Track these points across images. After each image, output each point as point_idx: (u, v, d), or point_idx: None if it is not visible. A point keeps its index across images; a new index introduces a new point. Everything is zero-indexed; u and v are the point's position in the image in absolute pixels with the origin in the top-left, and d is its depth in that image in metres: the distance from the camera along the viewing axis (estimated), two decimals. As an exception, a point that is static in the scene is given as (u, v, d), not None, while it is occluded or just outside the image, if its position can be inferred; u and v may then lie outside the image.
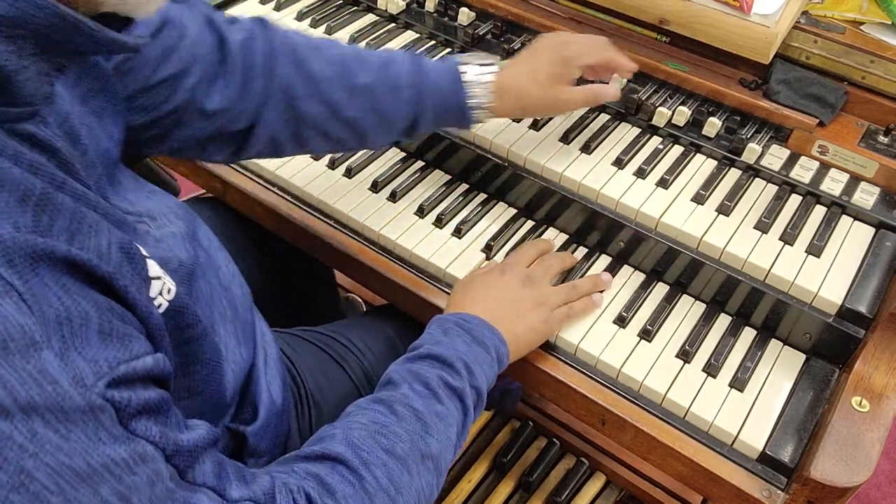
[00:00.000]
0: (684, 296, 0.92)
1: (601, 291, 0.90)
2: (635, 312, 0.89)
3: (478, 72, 0.88)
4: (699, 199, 0.94)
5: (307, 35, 0.87)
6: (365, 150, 1.07)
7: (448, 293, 0.91)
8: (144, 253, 0.55)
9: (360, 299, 1.62)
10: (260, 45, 0.82)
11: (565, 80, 0.92)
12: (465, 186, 1.04)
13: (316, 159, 1.05)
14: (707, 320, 0.89)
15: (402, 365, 0.73)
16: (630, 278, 0.93)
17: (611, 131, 1.03)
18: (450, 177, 1.05)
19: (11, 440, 0.40)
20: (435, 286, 0.92)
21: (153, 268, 0.55)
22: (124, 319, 0.48)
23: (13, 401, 0.40)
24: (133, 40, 0.51)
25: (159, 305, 0.55)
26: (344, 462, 0.62)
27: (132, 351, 0.48)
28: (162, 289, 0.56)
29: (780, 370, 0.84)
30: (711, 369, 0.83)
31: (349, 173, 1.03)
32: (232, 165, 1.05)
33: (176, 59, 0.76)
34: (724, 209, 0.92)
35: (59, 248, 0.45)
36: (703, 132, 1.01)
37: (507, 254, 0.94)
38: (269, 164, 1.04)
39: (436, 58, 1.09)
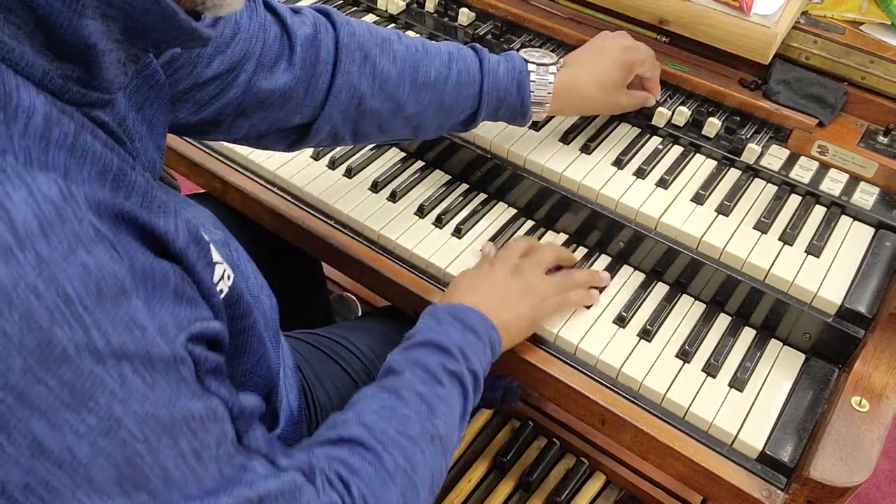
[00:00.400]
0: (684, 296, 0.92)
1: (600, 290, 0.90)
2: (635, 312, 0.89)
3: (541, 71, 0.89)
4: (699, 199, 0.94)
5: (374, 27, 0.86)
6: (365, 150, 1.07)
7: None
8: (206, 238, 0.56)
9: (354, 298, 1.62)
10: (327, 42, 0.81)
11: (626, 84, 0.95)
12: (465, 186, 1.04)
13: (316, 159, 1.05)
14: (707, 320, 0.89)
15: (401, 353, 0.74)
16: (630, 278, 0.93)
17: (611, 131, 1.03)
18: (450, 177, 1.05)
19: (103, 385, 0.41)
20: (435, 286, 0.92)
21: (215, 253, 0.56)
22: (193, 288, 0.50)
23: (106, 344, 0.41)
24: (208, 31, 0.51)
25: (221, 291, 0.56)
26: (362, 443, 0.63)
27: (202, 313, 0.49)
28: (223, 274, 0.57)
29: (780, 370, 0.84)
30: (711, 369, 0.83)
31: (349, 173, 1.03)
32: (232, 166, 1.06)
33: (229, 55, 0.75)
34: (723, 209, 0.92)
35: (142, 215, 0.46)
36: (703, 132, 1.01)
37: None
38: (269, 164, 1.04)
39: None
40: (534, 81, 0.88)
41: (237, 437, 0.51)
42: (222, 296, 0.57)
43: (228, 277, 0.58)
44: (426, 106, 0.85)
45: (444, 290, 0.92)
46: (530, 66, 0.89)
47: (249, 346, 0.63)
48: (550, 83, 0.89)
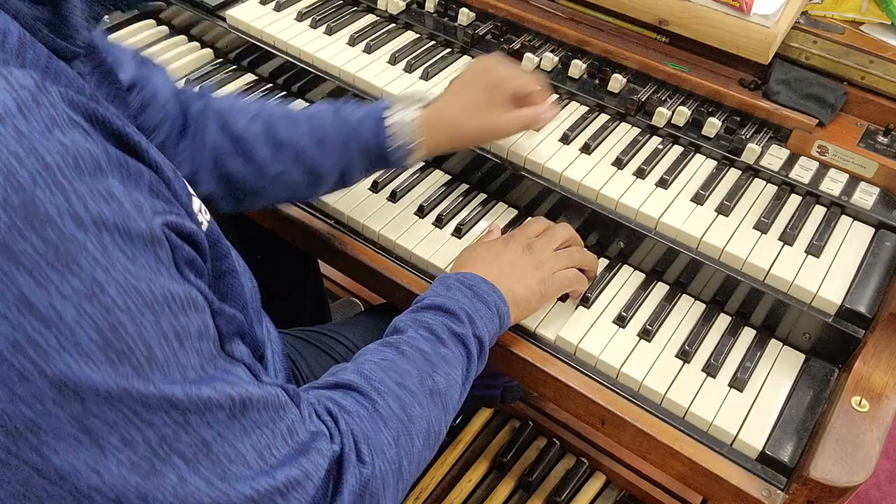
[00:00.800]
0: (684, 296, 0.92)
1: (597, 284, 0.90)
2: (635, 312, 0.89)
3: (401, 114, 0.86)
4: (699, 199, 0.94)
5: (236, 98, 0.91)
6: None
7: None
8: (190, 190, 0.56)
9: (359, 301, 1.62)
10: (193, 109, 0.86)
11: (499, 104, 0.89)
12: (465, 186, 1.04)
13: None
14: (707, 320, 0.89)
15: (407, 315, 0.75)
16: (630, 278, 0.93)
17: (611, 131, 1.03)
18: (450, 177, 1.05)
19: (86, 250, 0.42)
20: (435, 286, 0.92)
21: (195, 202, 0.56)
22: (171, 195, 0.50)
23: (86, 211, 0.42)
24: None
25: (201, 223, 0.56)
26: (357, 389, 0.64)
27: (178, 212, 0.49)
28: (200, 208, 0.57)
29: (780, 370, 0.84)
30: (711, 369, 0.83)
31: (349, 173, 1.03)
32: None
33: (149, 115, 0.82)
34: (723, 209, 0.92)
35: (116, 122, 0.47)
36: (703, 132, 1.01)
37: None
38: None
39: (419, 66, 1.11)
40: (390, 125, 0.85)
41: (221, 340, 0.52)
42: (203, 228, 0.57)
43: (205, 212, 0.58)
44: (291, 164, 0.85)
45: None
46: (385, 113, 0.86)
47: (233, 290, 0.62)
48: (412, 120, 0.86)
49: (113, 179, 0.44)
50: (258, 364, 0.56)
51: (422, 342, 0.71)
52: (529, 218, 0.95)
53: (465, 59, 1.14)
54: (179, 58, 1.21)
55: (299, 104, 1.15)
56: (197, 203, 0.57)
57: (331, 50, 1.14)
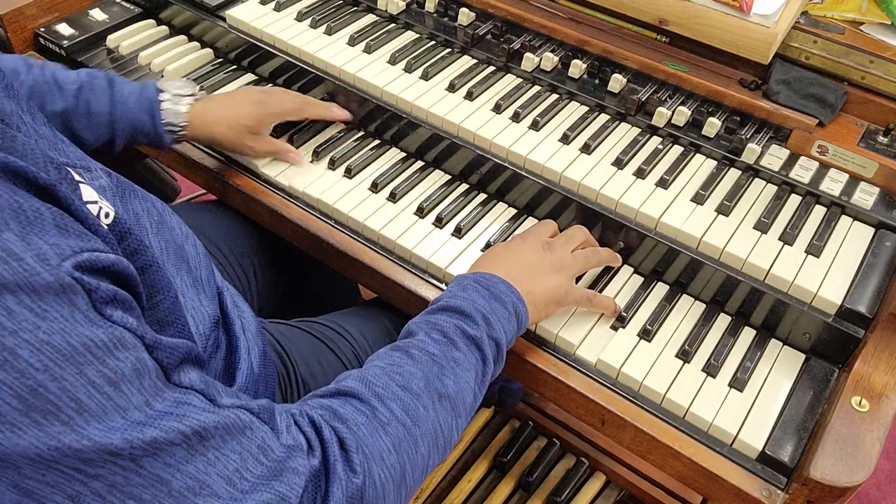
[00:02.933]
0: (684, 296, 0.92)
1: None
2: (635, 312, 0.89)
3: (174, 101, 0.96)
4: (699, 199, 0.94)
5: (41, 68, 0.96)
6: (366, 150, 1.07)
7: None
8: (77, 178, 0.54)
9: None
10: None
11: (257, 131, 1.01)
12: (465, 186, 1.04)
13: (317, 158, 1.06)
14: (707, 320, 0.89)
15: (421, 317, 0.75)
16: (630, 278, 0.93)
17: (611, 131, 1.03)
18: (450, 177, 1.05)
19: None
20: (435, 286, 0.92)
21: (88, 192, 0.54)
22: (76, 223, 0.48)
23: None
24: None
25: (104, 225, 0.54)
26: (357, 395, 0.63)
27: (93, 245, 0.47)
28: (99, 212, 0.55)
29: (780, 370, 0.84)
30: (711, 369, 0.83)
31: (349, 173, 1.03)
32: (232, 166, 1.06)
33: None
34: (723, 209, 0.92)
35: (1, 158, 0.45)
36: (703, 132, 1.01)
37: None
38: (270, 167, 1.04)
39: (419, 66, 1.11)
40: (165, 110, 0.95)
41: (166, 372, 0.50)
42: (106, 222, 0.55)
43: (107, 215, 0.56)
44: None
45: (440, 287, 0.92)
46: (163, 96, 0.96)
47: (159, 283, 0.60)
48: (184, 112, 0.96)
49: (8, 233, 0.42)
50: (214, 383, 0.54)
51: (431, 345, 0.69)
52: (544, 220, 0.94)
53: (466, 58, 1.14)
54: (179, 58, 1.21)
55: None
56: (94, 209, 0.54)
57: (331, 50, 1.14)
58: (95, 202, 0.55)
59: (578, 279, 0.90)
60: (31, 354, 0.42)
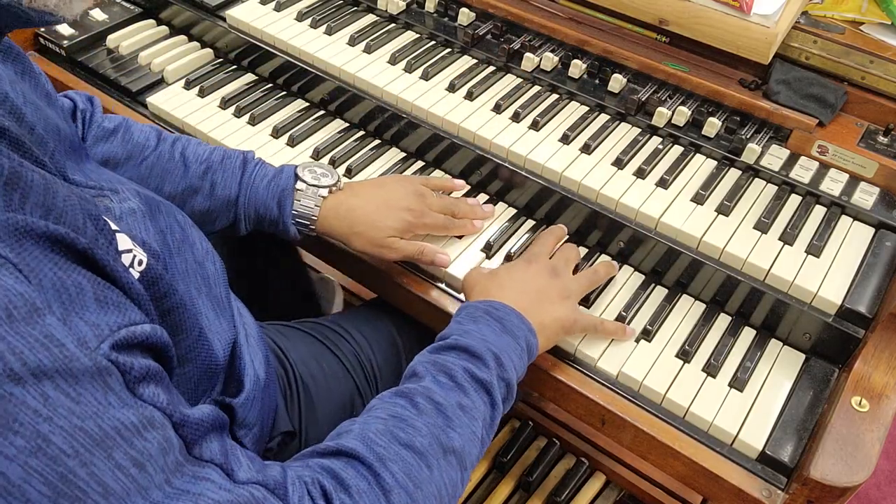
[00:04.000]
0: (684, 296, 0.92)
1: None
2: (635, 313, 0.89)
3: (310, 192, 0.88)
4: (699, 199, 0.94)
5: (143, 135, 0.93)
6: (366, 150, 1.07)
7: (449, 293, 0.92)
8: (114, 227, 0.55)
9: (333, 279, 1.61)
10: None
11: (402, 235, 0.89)
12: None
13: (317, 158, 1.05)
14: (707, 320, 0.89)
15: (428, 356, 0.72)
16: (630, 278, 0.93)
17: (611, 131, 1.03)
18: (449, 177, 1.05)
19: (25, 405, 0.41)
20: (435, 286, 0.92)
21: (123, 241, 0.55)
22: (114, 290, 0.49)
23: (23, 365, 0.41)
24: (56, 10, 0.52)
25: (132, 278, 0.55)
26: (359, 458, 0.61)
27: (130, 318, 0.48)
28: (133, 261, 0.55)
29: (780, 370, 0.84)
30: (711, 369, 0.83)
31: (349, 173, 1.03)
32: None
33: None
34: (723, 209, 0.92)
35: (38, 225, 0.45)
36: (703, 132, 1.01)
37: (507, 254, 0.94)
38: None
39: (419, 66, 1.10)
40: (298, 201, 0.87)
41: (188, 446, 0.50)
42: (135, 277, 0.55)
43: (140, 263, 0.56)
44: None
45: (444, 290, 0.92)
46: (299, 185, 0.88)
47: (183, 323, 0.61)
48: (317, 206, 0.87)
49: (51, 317, 0.43)
50: (234, 450, 0.55)
51: (438, 393, 0.66)
52: (542, 233, 0.94)
53: (466, 58, 1.14)
54: (179, 58, 1.21)
55: (298, 104, 1.15)
56: (128, 258, 0.55)
57: (331, 50, 1.14)
58: (130, 251, 0.56)
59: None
60: (63, 441, 0.42)
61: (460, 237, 0.96)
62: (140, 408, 0.46)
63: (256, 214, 0.89)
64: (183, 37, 1.27)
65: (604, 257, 0.95)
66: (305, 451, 0.65)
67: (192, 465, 0.50)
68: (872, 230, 0.92)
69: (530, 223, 1.00)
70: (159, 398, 0.48)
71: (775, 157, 0.98)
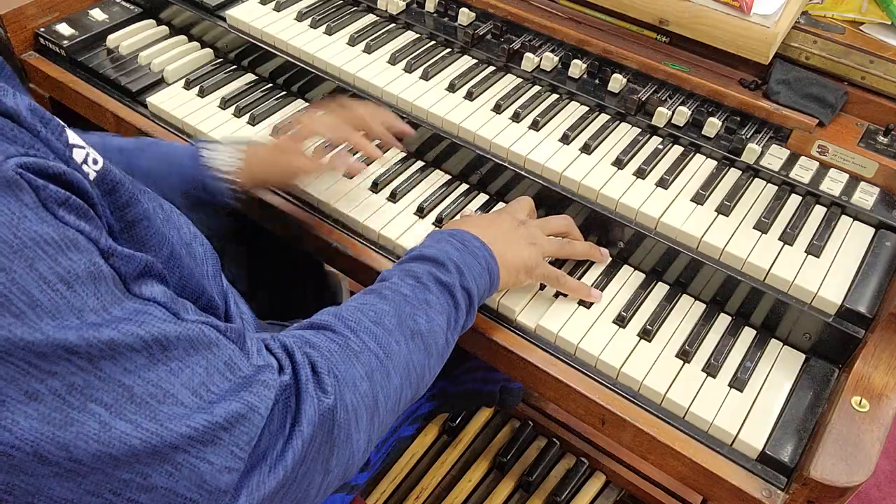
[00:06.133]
0: (684, 296, 0.92)
1: (594, 297, 0.90)
2: (635, 312, 0.89)
3: (217, 148, 0.91)
4: (699, 199, 0.94)
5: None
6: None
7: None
8: (60, 122, 0.53)
9: (336, 271, 1.61)
10: None
11: (293, 149, 0.93)
12: (465, 186, 1.04)
13: (316, 159, 1.06)
14: (707, 320, 0.89)
15: (395, 266, 0.76)
16: (630, 278, 0.93)
17: (611, 131, 1.03)
18: (450, 177, 1.05)
19: None
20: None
21: (73, 136, 0.53)
22: (34, 140, 0.47)
23: None
24: None
25: (87, 174, 0.53)
26: (330, 327, 0.64)
27: (41, 154, 0.47)
28: (86, 158, 0.54)
29: (780, 370, 0.84)
30: (711, 369, 0.83)
31: (349, 173, 1.03)
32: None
33: None
34: (723, 209, 0.92)
35: None
36: (703, 132, 1.01)
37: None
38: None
39: (419, 66, 1.11)
40: (205, 156, 0.90)
41: (125, 282, 0.49)
42: (91, 177, 0.53)
43: (95, 161, 0.54)
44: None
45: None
46: (201, 145, 0.91)
47: (149, 238, 0.59)
48: (236, 157, 0.91)
49: None
50: (182, 301, 0.54)
51: (404, 287, 0.71)
52: (523, 197, 0.95)
53: (466, 58, 1.14)
54: (179, 58, 1.21)
55: (298, 105, 1.15)
56: (81, 153, 0.53)
57: (331, 50, 1.14)
58: (83, 147, 0.53)
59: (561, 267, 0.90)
60: None
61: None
62: (59, 227, 0.45)
63: (180, 179, 0.89)
64: (183, 37, 1.27)
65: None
66: (284, 330, 0.65)
67: (131, 301, 0.49)
68: (872, 230, 0.92)
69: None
70: (81, 225, 0.47)
71: (775, 157, 0.98)
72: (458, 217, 0.98)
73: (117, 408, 0.46)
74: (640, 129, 1.04)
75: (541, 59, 1.09)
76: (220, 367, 0.52)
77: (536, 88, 1.09)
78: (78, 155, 0.52)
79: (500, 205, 1.02)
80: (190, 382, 0.49)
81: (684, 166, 0.98)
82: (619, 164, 0.98)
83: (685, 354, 0.85)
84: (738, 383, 0.82)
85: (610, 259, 0.94)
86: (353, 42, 1.15)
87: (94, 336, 0.45)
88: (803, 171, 0.96)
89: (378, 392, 0.63)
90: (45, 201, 0.45)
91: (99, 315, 0.45)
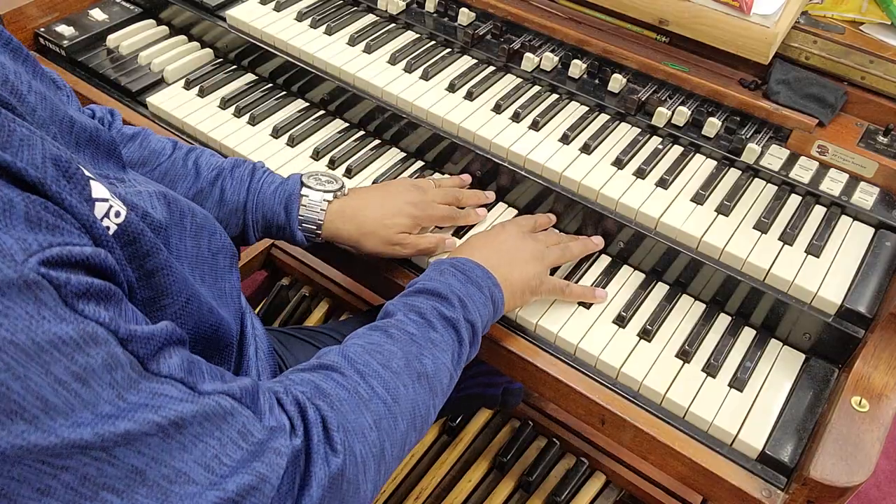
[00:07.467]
0: (684, 296, 0.92)
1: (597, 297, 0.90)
2: (635, 312, 0.89)
3: (315, 196, 0.88)
4: (699, 199, 0.94)
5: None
6: (366, 150, 1.08)
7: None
8: (87, 174, 0.53)
9: None
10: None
11: (411, 231, 0.90)
12: (465, 186, 1.04)
13: (317, 158, 1.06)
14: (707, 320, 0.89)
15: (398, 299, 0.76)
16: (630, 278, 0.93)
17: (611, 131, 1.03)
18: (449, 177, 1.05)
19: None
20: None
21: (98, 189, 0.53)
22: (57, 215, 0.47)
23: None
24: None
25: (107, 228, 0.53)
26: (338, 370, 0.64)
27: (66, 238, 0.46)
28: (109, 211, 0.54)
29: (780, 370, 0.84)
30: (711, 369, 0.83)
31: (349, 173, 1.03)
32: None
33: None
34: (723, 209, 0.92)
35: None
36: (703, 132, 1.01)
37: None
38: (270, 165, 1.04)
39: (419, 66, 1.10)
40: (305, 206, 0.88)
41: (143, 362, 0.49)
42: (110, 232, 0.54)
43: (118, 214, 0.54)
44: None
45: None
46: (304, 191, 0.88)
47: (169, 286, 0.59)
48: (322, 210, 0.88)
49: None
50: (197, 365, 0.53)
51: (410, 325, 0.71)
52: (527, 215, 0.96)
53: (466, 58, 1.14)
54: (179, 58, 1.21)
55: (298, 104, 1.15)
56: (102, 207, 0.53)
57: (331, 50, 1.14)
58: (105, 200, 0.54)
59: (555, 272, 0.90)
60: None
61: (461, 238, 0.96)
62: (79, 323, 0.44)
63: (264, 220, 0.89)
64: (183, 37, 1.27)
65: (604, 257, 0.96)
66: (286, 371, 0.65)
67: (149, 381, 0.48)
68: (872, 230, 0.92)
69: (530, 223, 1.00)
70: (100, 314, 0.46)
71: (775, 157, 0.98)
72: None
73: (129, 494, 0.46)
74: (639, 129, 1.04)
75: (541, 59, 1.09)
76: (233, 437, 0.52)
77: (536, 88, 1.09)
78: (99, 210, 0.53)
79: (500, 205, 1.02)
80: (202, 458, 0.49)
81: (684, 166, 0.98)
82: (618, 164, 0.98)
83: (685, 354, 0.85)
84: (737, 383, 0.82)
85: (604, 243, 0.95)
86: (353, 42, 1.15)
87: (110, 430, 0.45)
88: (803, 171, 0.96)
89: (385, 440, 0.63)
90: (65, 298, 0.44)
91: (114, 405, 0.45)
